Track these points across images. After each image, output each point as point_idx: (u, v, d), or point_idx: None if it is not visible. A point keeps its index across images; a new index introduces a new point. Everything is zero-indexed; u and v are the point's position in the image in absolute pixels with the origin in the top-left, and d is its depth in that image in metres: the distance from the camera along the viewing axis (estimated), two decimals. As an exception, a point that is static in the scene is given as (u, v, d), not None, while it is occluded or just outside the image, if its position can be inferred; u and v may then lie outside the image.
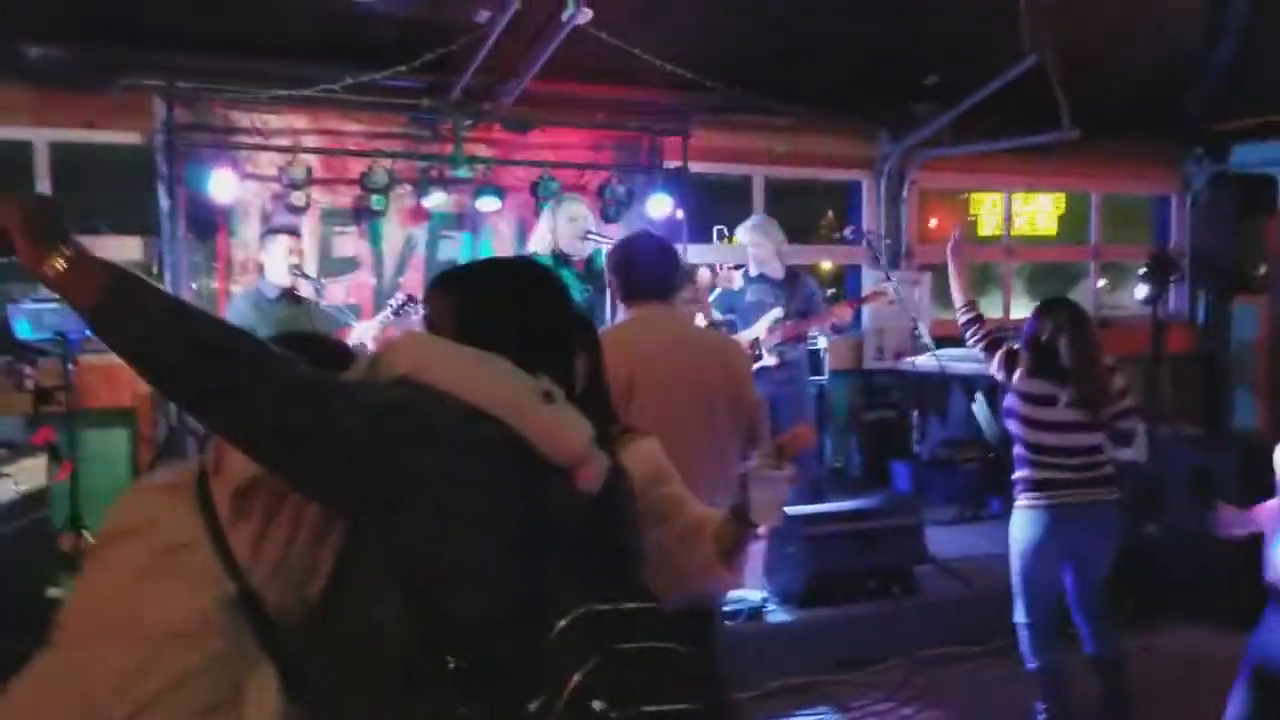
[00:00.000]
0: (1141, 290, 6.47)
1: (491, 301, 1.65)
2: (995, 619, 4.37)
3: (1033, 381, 3.90)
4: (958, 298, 4.32)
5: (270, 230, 5.28)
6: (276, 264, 5.03)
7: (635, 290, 3.12)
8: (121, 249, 5.95)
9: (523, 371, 1.49)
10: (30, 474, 4.51)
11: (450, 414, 1.41)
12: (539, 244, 5.10)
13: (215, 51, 5.72)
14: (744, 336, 5.68)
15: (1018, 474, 3.97)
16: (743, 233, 6.17)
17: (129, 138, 5.89)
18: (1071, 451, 3.86)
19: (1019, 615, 3.99)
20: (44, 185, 5.78)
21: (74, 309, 1.34)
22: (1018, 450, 3.98)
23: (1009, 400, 3.99)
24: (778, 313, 5.77)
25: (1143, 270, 6.50)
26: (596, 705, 1.28)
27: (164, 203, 5.77)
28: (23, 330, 5.07)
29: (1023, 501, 3.94)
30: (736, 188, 7.78)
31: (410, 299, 5.17)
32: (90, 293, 1.32)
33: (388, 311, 5.19)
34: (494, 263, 2.07)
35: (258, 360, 1.34)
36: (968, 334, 4.27)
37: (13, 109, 5.58)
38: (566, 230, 5.00)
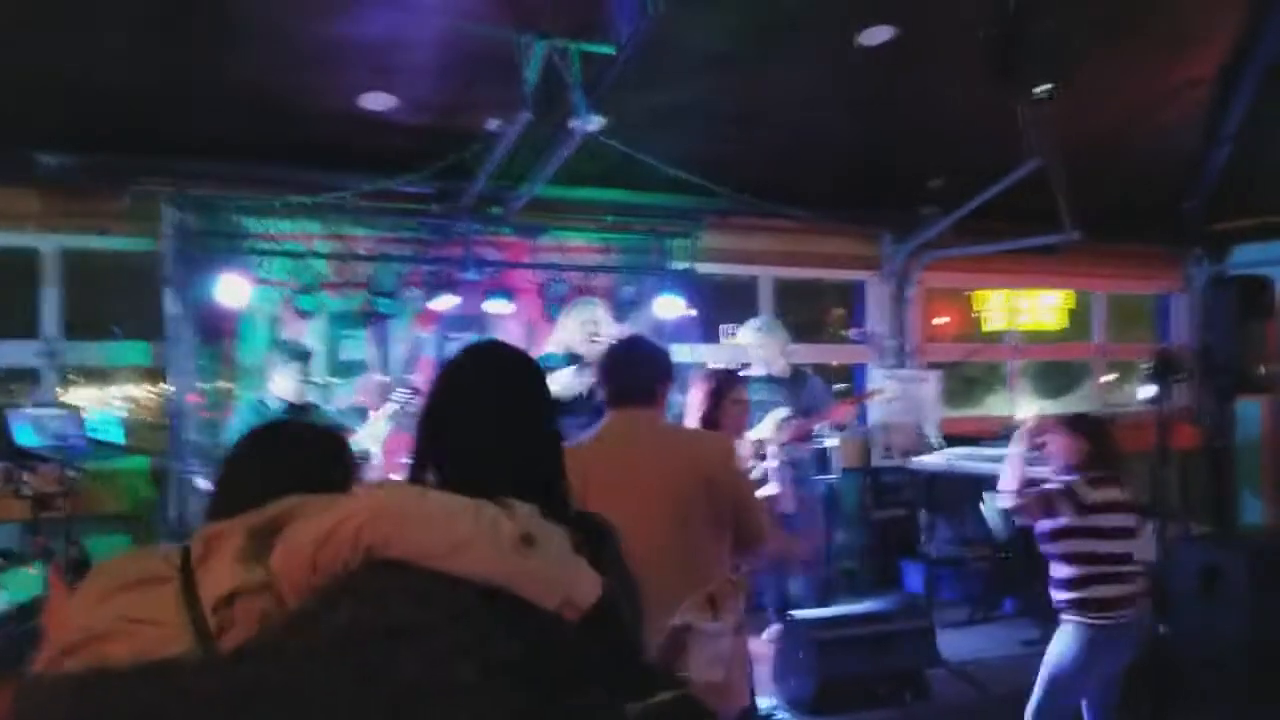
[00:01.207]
0: (1147, 389, 6.44)
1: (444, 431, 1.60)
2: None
3: (1098, 490, 3.85)
4: (1004, 483, 4.09)
5: (283, 353, 5.28)
6: (285, 384, 5.18)
7: (614, 394, 3.09)
8: (130, 353, 5.93)
9: (497, 513, 1.37)
10: (25, 584, 4.40)
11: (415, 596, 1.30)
12: (555, 345, 5.12)
13: (226, 157, 5.78)
14: (749, 437, 5.63)
15: (1076, 594, 3.86)
16: (746, 334, 6.17)
17: (140, 243, 5.90)
18: (1125, 559, 3.87)
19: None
20: (53, 290, 5.77)
21: None
22: (1072, 571, 3.88)
23: (1067, 521, 3.86)
24: (783, 412, 5.73)
25: (1147, 369, 6.48)
26: None
27: (172, 307, 5.75)
28: (24, 437, 5.00)
29: (1078, 619, 3.85)
30: (744, 287, 7.81)
31: (416, 391, 5.20)
32: None
33: (396, 406, 5.19)
34: (442, 381, 1.68)
35: None
36: (1009, 508, 4.13)
37: (24, 215, 5.62)
38: (579, 332, 5.00)
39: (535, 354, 5.49)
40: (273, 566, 1.36)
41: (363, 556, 1.29)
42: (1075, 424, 4.07)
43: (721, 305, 7.43)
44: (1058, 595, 3.94)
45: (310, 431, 1.96)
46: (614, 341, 3.88)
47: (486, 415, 1.61)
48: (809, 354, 7.52)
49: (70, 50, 4.89)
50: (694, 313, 6.75)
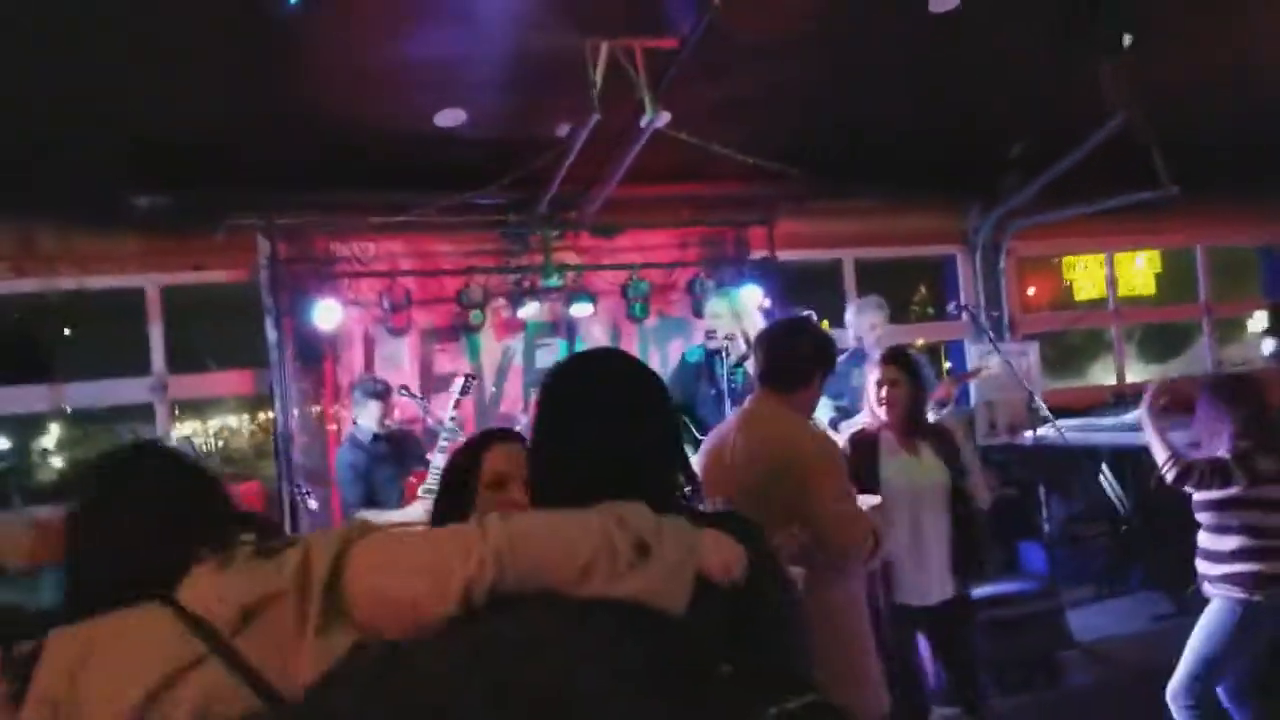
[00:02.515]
0: (1268, 344, 6.19)
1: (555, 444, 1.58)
2: (1148, 703, 4.09)
3: (1269, 459, 3.70)
4: (1160, 454, 3.89)
5: (363, 393, 5.43)
6: (368, 420, 5.34)
7: (758, 374, 3.17)
8: (232, 382, 6.14)
9: (608, 524, 1.34)
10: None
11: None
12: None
13: (312, 186, 5.94)
14: (856, 421, 5.55)
15: (1235, 568, 3.71)
16: (855, 315, 6.02)
17: (235, 275, 6.12)
18: None
19: (1184, 698, 3.75)
20: (156, 327, 6.01)
21: None
22: (1234, 543, 3.73)
23: (1237, 492, 3.72)
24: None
25: (1265, 326, 6.23)
26: None
27: (271, 335, 5.95)
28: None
29: (1236, 593, 3.71)
30: (825, 272, 7.73)
31: (470, 377, 5.57)
32: None
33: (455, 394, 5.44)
34: (549, 389, 1.63)
35: None
36: (1173, 479, 3.89)
37: (125, 257, 5.86)
38: (730, 324, 5.10)
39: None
40: (364, 618, 1.32)
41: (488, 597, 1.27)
42: (1223, 387, 3.88)
43: (803, 292, 7.35)
44: (1211, 568, 3.77)
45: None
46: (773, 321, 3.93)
47: (585, 420, 1.58)
48: (900, 334, 7.39)
49: (156, 96, 5.06)
50: (768, 303, 6.68)
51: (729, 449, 3.05)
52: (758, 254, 6.95)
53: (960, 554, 3.75)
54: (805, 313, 6.94)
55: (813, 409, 3.25)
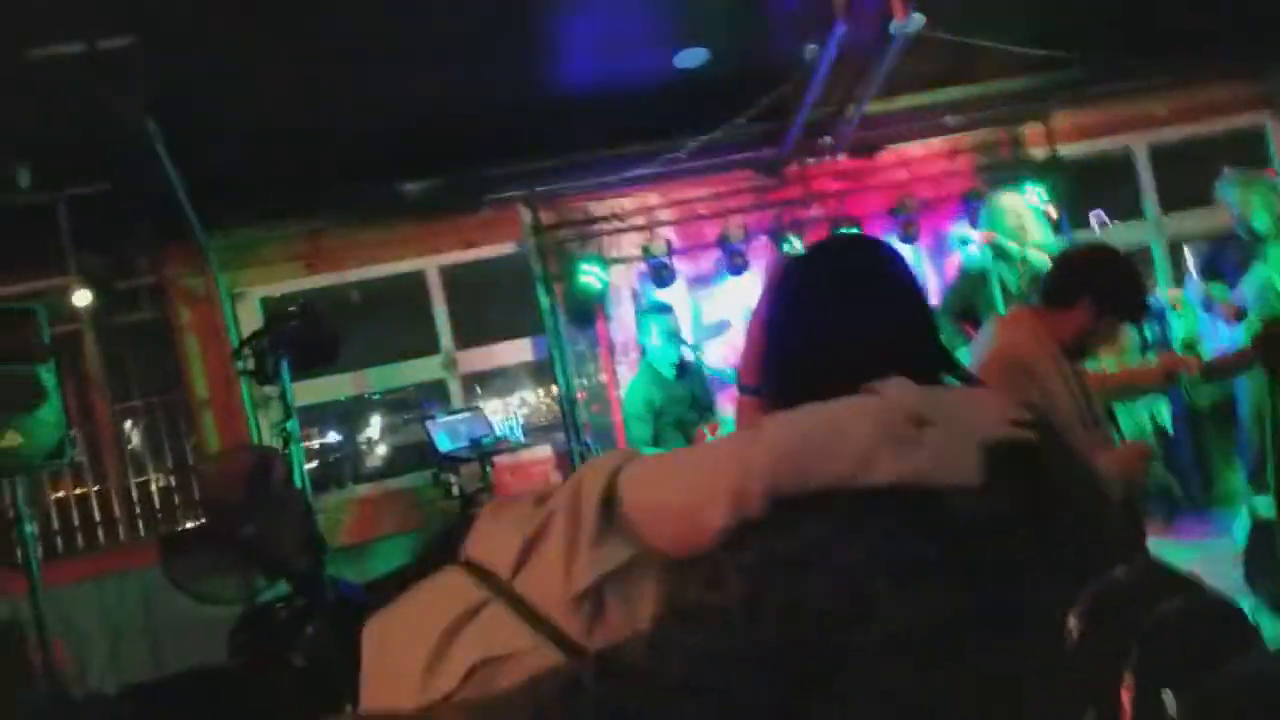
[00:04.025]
0: None
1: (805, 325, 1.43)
2: None
3: None
4: None
5: (641, 312, 5.40)
6: (658, 342, 5.25)
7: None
8: (514, 352, 6.35)
9: (876, 403, 1.22)
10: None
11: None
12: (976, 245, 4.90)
13: (564, 151, 6.00)
14: None
15: None
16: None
17: (503, 248, 6.29)
18: None
19: None
20: (439, 305, 6.28)
21: None
22: None
23: None
24: None
25: None
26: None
27: (544, 301, 6.09)
28: (442, 443, 5.46)
29: None
30: (1114, 164, 7.00)
31: None
32: None
33: None
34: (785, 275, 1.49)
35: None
36: None
37: (405, 241, 6.15)
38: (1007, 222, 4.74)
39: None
40: (641, 534, 1.27)
41: (768, 503, 1.17)
42: None
43: (1089, 189, 6.70)
44: None
45: None
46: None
47: (829, 304, 1.43)
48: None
49: (411, 84, 5.25)
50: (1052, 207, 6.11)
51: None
52: (1035, 152, 6.37)
53: None
54: (1094, 212, 6.40)
55: (1074, 337, 2.81)
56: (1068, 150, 6.48)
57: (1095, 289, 2.76)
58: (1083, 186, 6.62)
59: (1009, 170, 6.37)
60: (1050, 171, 6.24)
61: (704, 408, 5.33)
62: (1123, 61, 6.17)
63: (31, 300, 4.78)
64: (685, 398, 5.24)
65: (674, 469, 1.31)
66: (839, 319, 1.40)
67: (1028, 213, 5.22)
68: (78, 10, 4.12)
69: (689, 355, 5.34)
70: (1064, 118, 6.45)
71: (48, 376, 4.35)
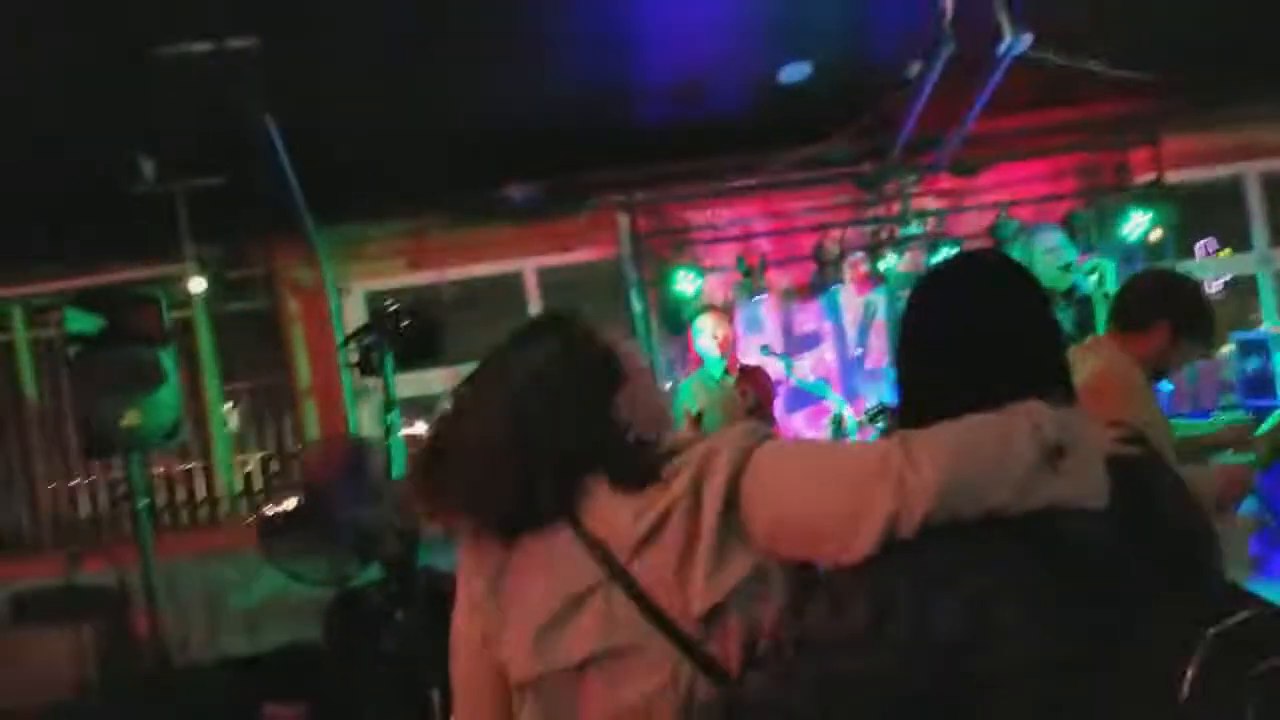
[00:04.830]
0: None
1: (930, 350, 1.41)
2: None
3: None
4: None
5: (693, 315, 5.42)
6: (705, 341, 5.22)
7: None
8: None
9: (1022, 427, 1.19)
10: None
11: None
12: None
13: (664, 158, 6.06)
14: None
15: None
16: None
17: (601, 253, 6.40)
18: None
19: None
20: (534, 306, 6.42)
21: None
22: None
23: None
24: None
25: None
26: None
27: (637, 306, 6.17)
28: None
29: None
30: (1223, 192, 6.83)
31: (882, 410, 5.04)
32: None
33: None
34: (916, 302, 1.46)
35: None
36: None
37: (504, 243, 6.29)
38: (1043, 262, 4.64)
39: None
40: (769, 543, 1.27)
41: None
42: None
43: (1197, 218, 6.55)
44: None
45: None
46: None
47: (960, 320, 1.41)
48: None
49: (519, 90, 5.37)
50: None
51: None
52: (1142, 178, 6.25)
53: None
54: (1202, 241, 6.27)
55: (1150, 360, 2.77)
56: (1175, 177, 6.33)
57: (1172, 312, 2.76)
58: (1190, 215, 6.47)
59: (1113, 195, 6.26)
60: (1156, 198, 6.11)
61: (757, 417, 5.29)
62: (1236, 88, 6.02)
63: (150, 285, 5.00)
64: (726, 401, 5.06)
65: (814, 476, 1.26)
66: (978, 332, 1.38)
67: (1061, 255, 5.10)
68: (206, 10, 4.31)
69: (776, 366, 5.30)
70: (1173, 143, 6.31)
71: (167, 360, 4.56)
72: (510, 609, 1.39)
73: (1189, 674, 1.09)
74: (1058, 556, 1.16)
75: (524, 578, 1.39)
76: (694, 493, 1.29)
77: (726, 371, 5.17)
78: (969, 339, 1.37)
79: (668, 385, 6.11)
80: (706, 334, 5.22)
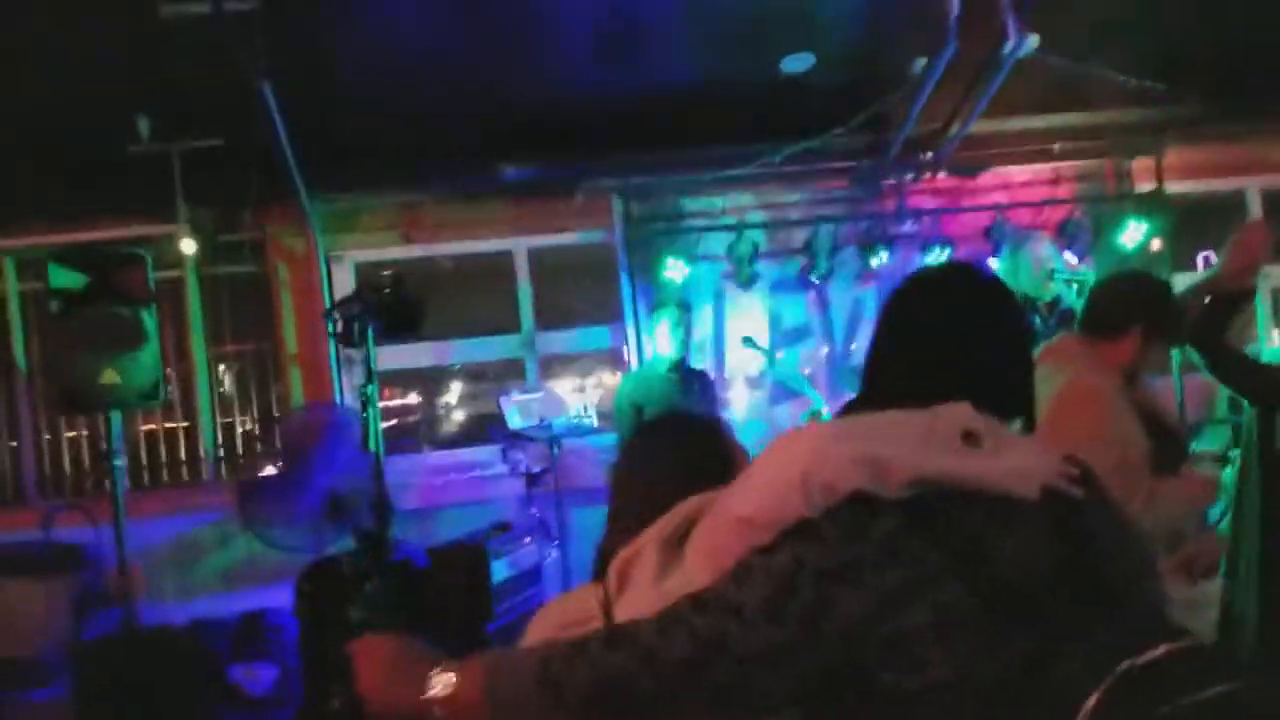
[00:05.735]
0: None
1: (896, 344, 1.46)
2: None
3: None
4: None
5: (655, 307, 5.40)
6: (662, 338, 5.24)
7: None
8: (592, 338, 6.43)
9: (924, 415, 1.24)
10: (527, 554, 4.91)
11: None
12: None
13: (660, 145, 6.03)
14: None
15: None
16: None
17: (593, 236, 6.37)
18: None
19: None
20: (524, 286, 6.40)
21: None
22: None
23: None
24: None
25: None
26: None
27: (626, 291, 6.15)
28: (513, 419, 5.57)
29: None
30: (1223, 206, 6.79)
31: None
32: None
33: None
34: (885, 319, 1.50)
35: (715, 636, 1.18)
36: None
37: (496, 222, 6.27)
38: (1029, 270, 4.61)
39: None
40: (688, 567, 1.34)
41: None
42: None
43: (1196, 230, 6.52)
44: None
45: (690, 427, 1.88)
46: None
47: (924, 323, 1.44)
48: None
49: (519, 70, 5.35)
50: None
51: None
52: (1143, 187, 6.22)
53: None
54: (1203, 253, 6.22)
55: (1124, 367, 2.71)
56: (1176, 188, 6.30)
57: (1144, 315, 2.70)
58: (1190, 227, 6.44)
59: (1112, 202, 6.23)
60: (1155, 207, 6.08)
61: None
62: (1242, 101, 5.98)
63: (140, 245, 4.98)
64: (671, 398, 5.05)
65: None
66: (935, 341, 1.40)
67: (1053, 258, 5.05)
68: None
69: (757, 359, 5.26)
70: (1175, 154, 6.27)
71: (149, 320, 4.55)
72: None
73: (1087, 707, 1.07)
74: (975, 582, 1.14)
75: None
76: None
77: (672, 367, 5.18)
78: (926, 344, 1.39)
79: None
80: (664, 332, 5.22)
